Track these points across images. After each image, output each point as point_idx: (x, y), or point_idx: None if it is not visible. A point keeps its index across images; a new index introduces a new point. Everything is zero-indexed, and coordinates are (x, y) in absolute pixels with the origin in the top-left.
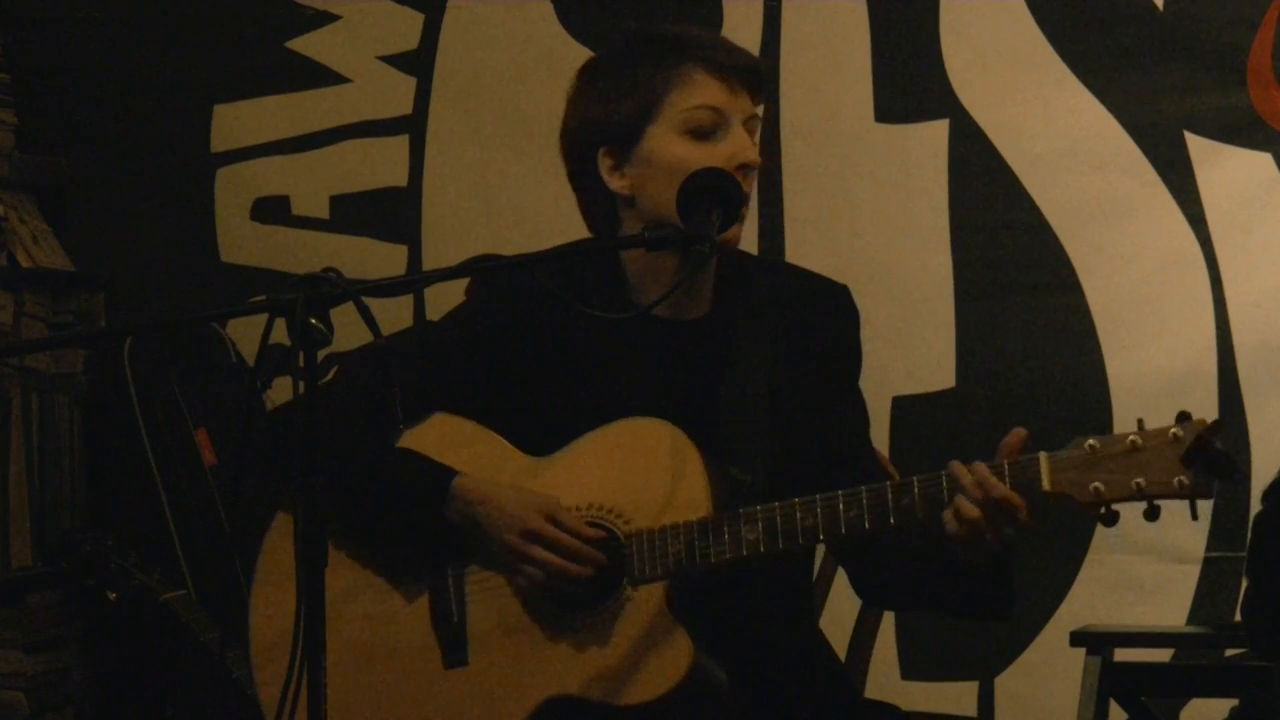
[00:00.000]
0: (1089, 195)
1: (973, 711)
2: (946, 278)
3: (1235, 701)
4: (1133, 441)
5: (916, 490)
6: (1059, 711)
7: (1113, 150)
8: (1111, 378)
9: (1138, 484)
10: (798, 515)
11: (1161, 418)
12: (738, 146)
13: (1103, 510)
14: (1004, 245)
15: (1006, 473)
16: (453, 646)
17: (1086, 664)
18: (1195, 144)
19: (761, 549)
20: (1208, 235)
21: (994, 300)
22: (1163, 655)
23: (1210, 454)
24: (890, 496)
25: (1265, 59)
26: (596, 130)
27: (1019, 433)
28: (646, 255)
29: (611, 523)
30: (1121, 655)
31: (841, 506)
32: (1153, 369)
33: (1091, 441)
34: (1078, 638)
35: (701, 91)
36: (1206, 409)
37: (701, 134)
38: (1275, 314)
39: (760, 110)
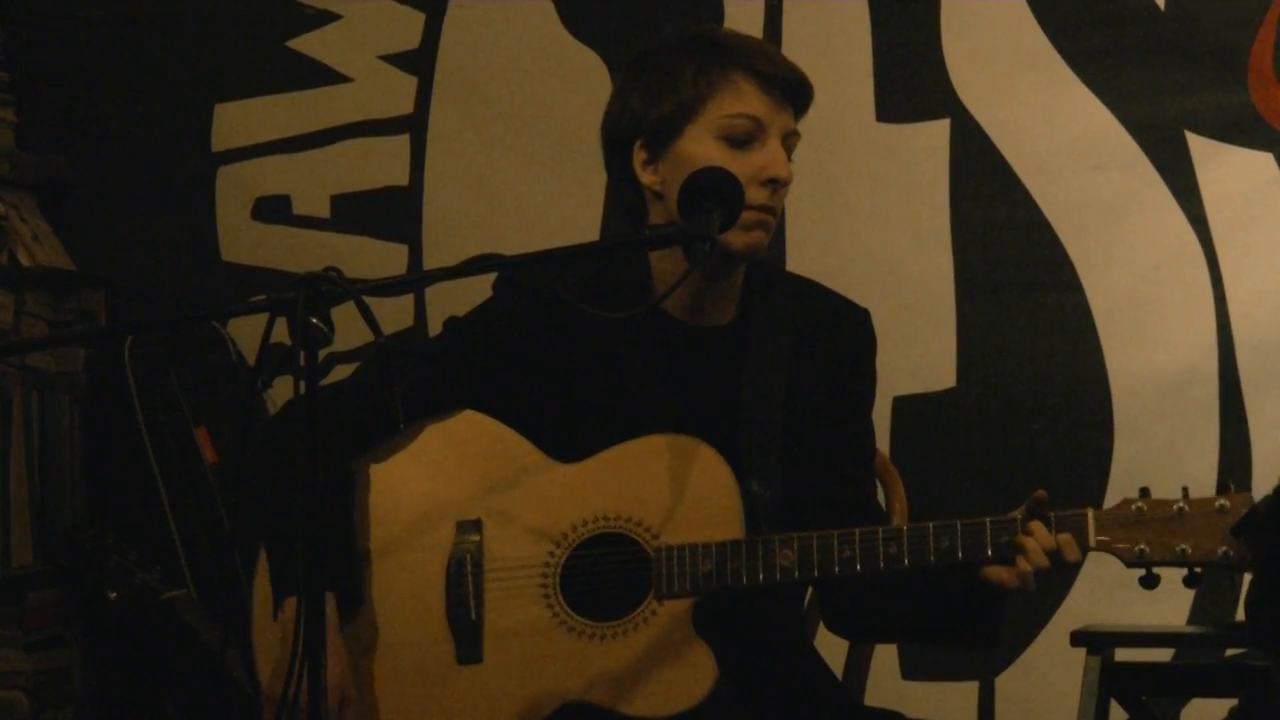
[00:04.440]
0: (1090, 194)
1: (973, 711)
2: (947, 277)
3: (1235, 701)
4: (1180, 508)
5: (960, 533)
6: (1059, 711)
7: (1113, 149)
8: (1112, 376)
9: (1182, 550)
10: (835, 546)
11: (1163, 417)
12: (770, 159)
13: (1145, 572)
14: (1005, 245)
15: (1053, 524)
16: (467, 643)
17: (1087, 663)
18: (1196, 143)
19: (796, 575)
20: (1208, 234)
21: (995, 300)
22: (1163, 655)
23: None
24: (931, 537)
25: (1266, 58)
26: (635, 122)
27: (1040, 495)
28: (671, 257)
29: (640, 536)
30: (1122, 655)
31: (881, 542)
32: (1153, 368)
33: (1138, 503)
34: (1078, 637)
35: (744, 100)
36: (1207, 408)
37: (737, 142)
38: (1276, 313)
39: (798, 127)
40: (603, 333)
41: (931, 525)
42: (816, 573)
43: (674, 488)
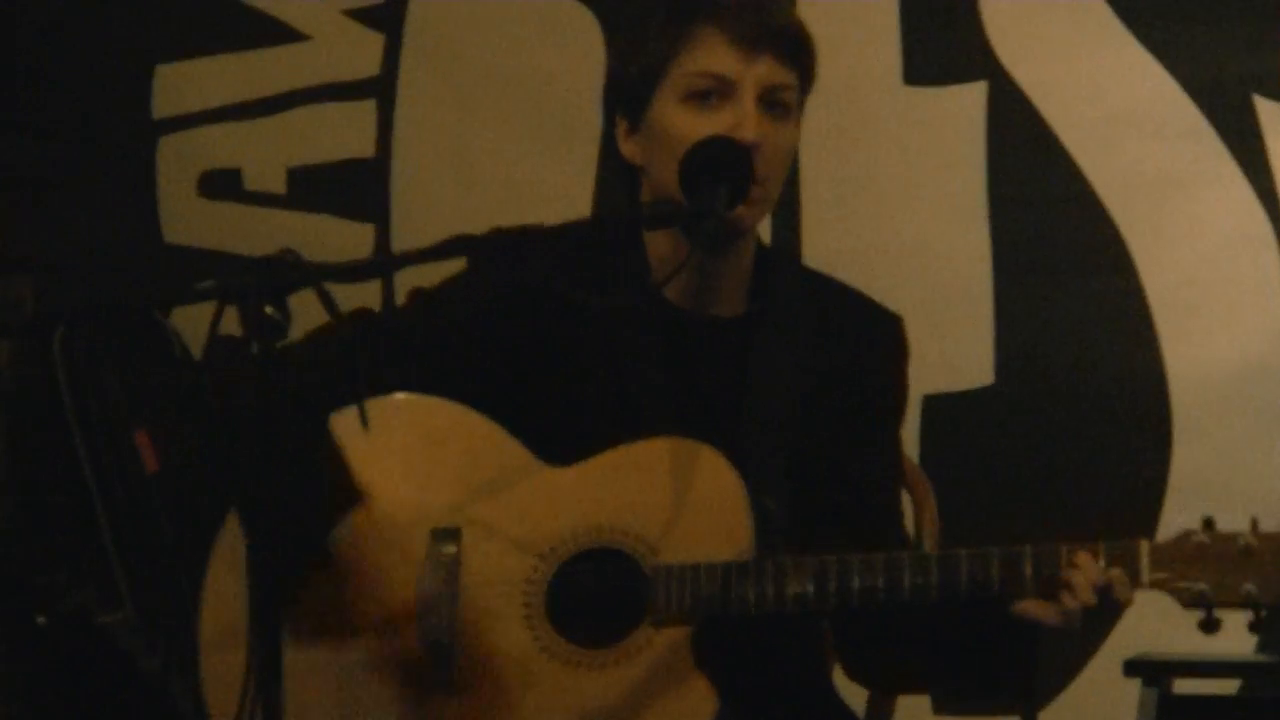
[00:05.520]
0: (1145, 166)
1: None
2: (984, 260)
3: None
4: (1246, 544)
5: (996, 562)
6: None
7: (1172, 115)
8: (1170, 371)
9: (1248, 591)
10: (855, 573)
11: (1228, 418)
12: (734, 121)
13: (1205, 614)
14: (1049, 223)
15: (1103, 556)
16: (439, 666)
17: (1142, 696)
18: (1265, 108)
19: (810, 605)
20: (1279, 210)
21: (1038, 285)
22: (1228, 687)
23: None
24: (964, 566)
25: None
26: (612, 91)
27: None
28: (668, 238)
29: (636, 552)
30: (1181, 687)
31: (907, 570)
32: (1217, 361)
33: (1200, 537)
34: (1132, 666)
35: (706, 56)
36: (1277, 407)
37: (702, 103)
38: None
39: (793, 79)
40: (595, 319)
41: (964, 553)
42: (833, 601)
43: (676, 499)
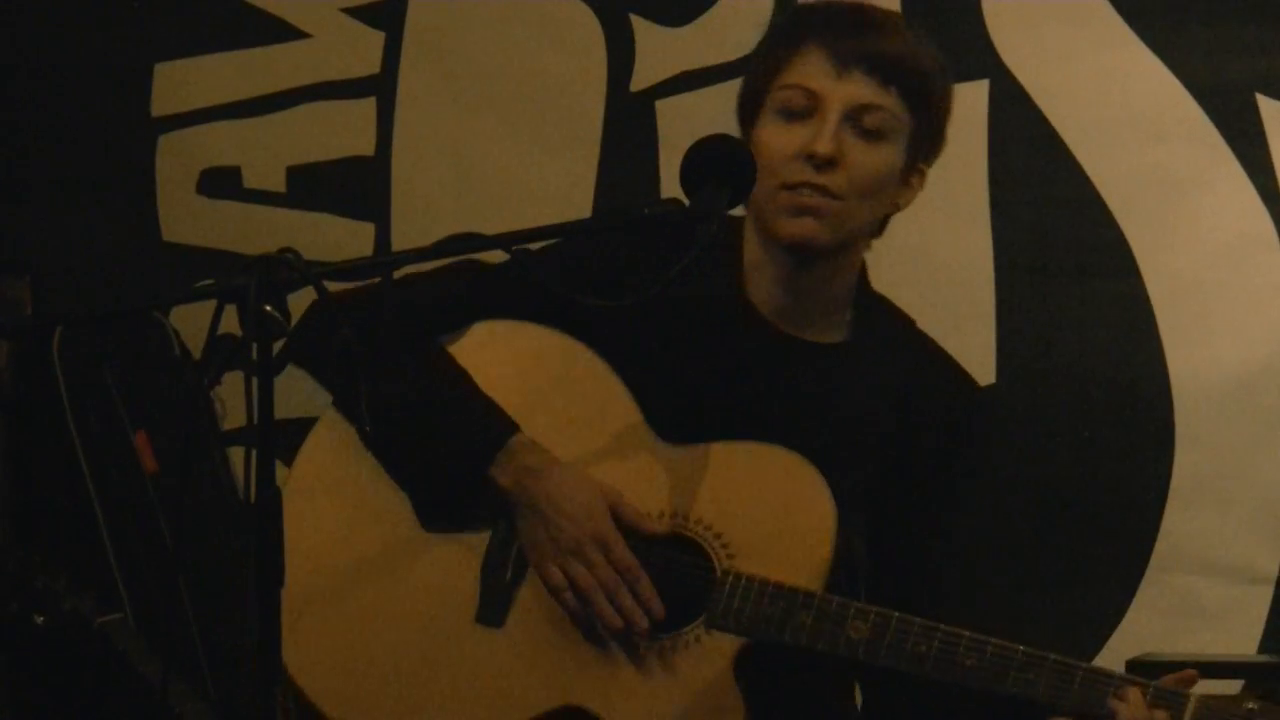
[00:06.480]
0: (1149, 167)
1: None
2: (986, 261)
3: None
4: None
5: (1047, 669)
6: None
7: (1176, 117)
8: (1173, 375)
9: None
10: (913, 637)
11: (1231, 421)
12: (811, 135)
13: None
14: (1051, 224)
15: (1150, 696)
16: (492, 603)
17: None
18: (1269, 109)
19: (860, 654)
20: None
21: (1039, 286)
22: (1231, 687)
23: None
24: (1016, 663)
25: None
26: (738, 111)
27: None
28: (757, 245)
29: (714, 550)
30: None
31: (962, 649)
32: (1220, 363)
33: (1251, 705)
34: (1134, 667)
35: (800, 71)
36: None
37: (790, 116)
38: None
39: (890, 102)
40: (683, 319)
41: (1020, 649)
42: (883, 657)
43: (768, 509)
